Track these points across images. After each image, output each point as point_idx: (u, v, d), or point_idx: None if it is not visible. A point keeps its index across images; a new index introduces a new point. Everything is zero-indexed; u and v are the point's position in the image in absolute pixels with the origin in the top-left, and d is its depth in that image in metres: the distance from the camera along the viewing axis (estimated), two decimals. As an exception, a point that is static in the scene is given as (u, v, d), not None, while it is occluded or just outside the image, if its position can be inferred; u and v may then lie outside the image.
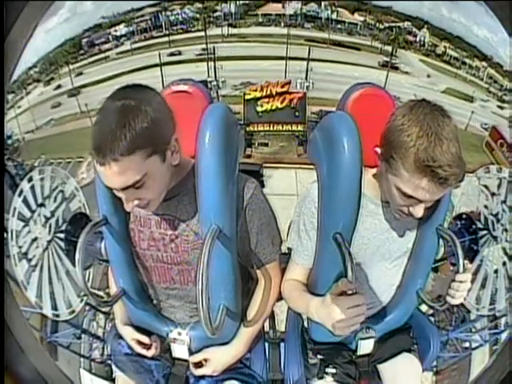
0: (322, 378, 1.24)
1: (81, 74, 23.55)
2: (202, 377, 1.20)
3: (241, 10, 26.33)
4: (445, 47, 25.00)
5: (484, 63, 23.63)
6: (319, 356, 1.25)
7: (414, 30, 25.23)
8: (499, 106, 21.92)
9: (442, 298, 1.11)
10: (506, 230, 2.34)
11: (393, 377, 1.24)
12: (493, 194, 2.43)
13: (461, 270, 1.05)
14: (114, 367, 1.32)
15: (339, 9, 26.18)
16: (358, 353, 1.24)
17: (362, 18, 26.21)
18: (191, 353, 1.19)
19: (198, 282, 0.89)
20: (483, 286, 2.62)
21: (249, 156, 13.89)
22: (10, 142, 16.86)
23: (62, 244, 2.05)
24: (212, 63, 18.64)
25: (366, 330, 1.22)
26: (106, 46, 25.45)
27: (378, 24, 25.64)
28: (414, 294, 1.22)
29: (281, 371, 1.61)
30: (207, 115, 1.01)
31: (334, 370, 1.23)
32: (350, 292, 0.93)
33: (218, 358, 1.18)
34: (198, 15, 25.52)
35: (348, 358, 1.24)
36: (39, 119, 21.02)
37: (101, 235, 1.21)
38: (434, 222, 1.14)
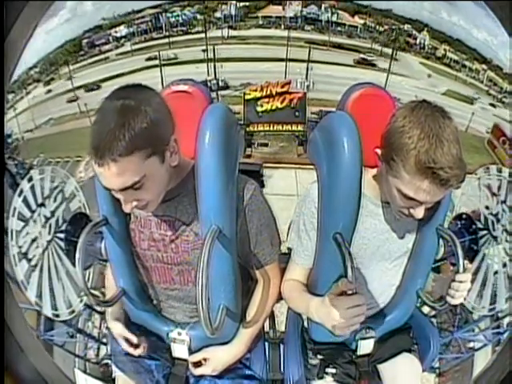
0: (322, 378, 1.24)
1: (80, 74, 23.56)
2: (202, 377, 1.20)
3: (241, 12, 26.29)
4: (445, 50, 24.96)
5: (484, 66, 23.59)
6: (319, 356, 1.25)
7: (414, 32, 25.21)
8: (491, 104, 21.91)
9: (442, 298, 1.11)
10: (506, 230, 2.34)
11: (393, 377, 1.24)
12: (493, 194, 2.42)
13: (461, 270, 1.05)
14: (114, 367, 1.32)
15: (339, 11, 26.11)
16: (358, 353, 1.24)
17: (362, 21, 26.20)
18: (191, 353, 1.19)
19: (198, 282, 0.89)
20: (483, 285, 2.61)
21: (249, 156, 13.84)
22: (9, 140, 16.81)
23: (62, 244, 2.04)
24: (212, 64, 18.63)
25: (366, 330, 1.22)
26: (107, 47, 25.47)
27: (378, 27, 25.64)
28: (413, 294, 1.22)
29: (281, 371, 1.60)
30: (207, 115, 1.01)
31: (334, 370, 1.23)
32: (349, 292, 0.93)
33: (218, 358, 1.18)
34: (198, 17, 25.53)
35: (348, 358, 1.24)
36: (38, 118, 20.99)
37: (101, 235, 1.20)
38: (434, 222, 1.14)
